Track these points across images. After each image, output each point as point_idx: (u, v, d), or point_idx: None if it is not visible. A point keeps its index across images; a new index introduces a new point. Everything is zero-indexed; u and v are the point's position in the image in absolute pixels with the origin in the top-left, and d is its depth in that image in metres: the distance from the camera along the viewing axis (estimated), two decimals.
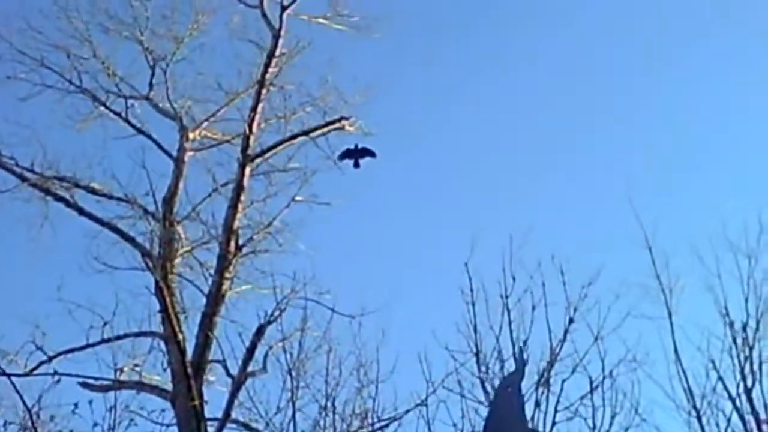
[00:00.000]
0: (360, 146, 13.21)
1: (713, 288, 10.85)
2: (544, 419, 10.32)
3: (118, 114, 13.68)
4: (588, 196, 15.90)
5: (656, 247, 10.74)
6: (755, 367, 10.50)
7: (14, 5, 13.58)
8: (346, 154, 13.22)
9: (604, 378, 10.33)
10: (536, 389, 10.61)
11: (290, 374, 10.13)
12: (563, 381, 10.56)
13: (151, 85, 13.94)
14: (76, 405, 9.55)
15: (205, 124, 14.02)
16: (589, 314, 10.60)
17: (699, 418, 9.94)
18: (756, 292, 10.87)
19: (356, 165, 13.23)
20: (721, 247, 10.89)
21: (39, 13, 13.47)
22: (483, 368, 10.81)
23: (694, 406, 9.97)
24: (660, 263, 10.63)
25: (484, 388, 10.73)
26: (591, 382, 10.38)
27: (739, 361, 10.42)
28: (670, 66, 17.13)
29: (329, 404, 10.82)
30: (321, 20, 13.96)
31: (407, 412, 10.80)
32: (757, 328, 10.75)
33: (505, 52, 17.26)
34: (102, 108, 13.72)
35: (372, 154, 13.16)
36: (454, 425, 10.20)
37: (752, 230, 10.85)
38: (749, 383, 10.33)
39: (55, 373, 11.13)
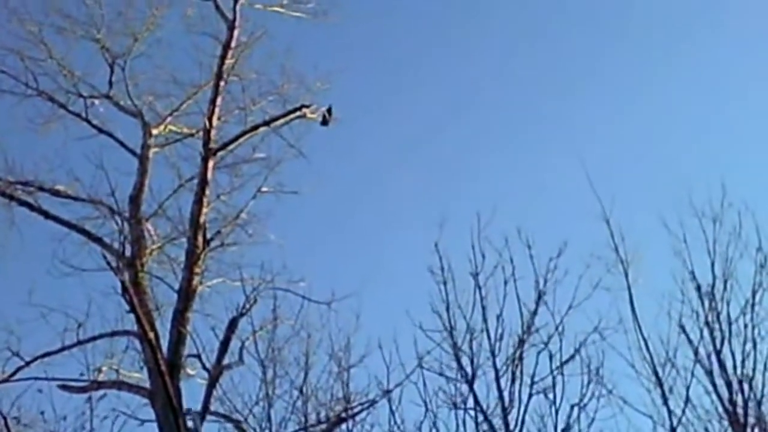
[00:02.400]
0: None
1: (680, 253, 10.98)
2: (520, 393, 10.43)
3: (78, 115, 13.60)
4: (549, 170, 16.01)
5: (619, 218, 10.84)
6: (723, 326, 10.64)
7: None
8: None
9: (577, 350, 10.45)
10: (512, 362, 10.71)
11: (262, 365, 10.17)
12: (538, 353, 10.66)
13: (110, 83, 13.90)
14: (42, 414, 9.63)
15: (169, 119, 13.98)
16: (558, 288, 10.70)
17: (660, 384, 10.09)
18: (722, 255, 11.00)
19: (324, 123, 13.39)
20: (686, 213, 11.02)
21: None
22: (457, 346, 10.88)
23: (655, 372, 10.12)
24: (619, 234, 10.72)
25: (459, 364, 10.81)
26: (566, 355, 10.47)
27: (708, 323, 10.56)
28: (625, 36, 17.26)
29: (307, 391, 10.90)
30: (276, 9, 13.93)
31: (388, 392, 10.88)
32: (725, 289, 10.90)
33: (462, 29, 17.28)
34: (62, 110, 13.63)
35: (329, 112, 13.35)
36: (426, 404, 10.28)
37: (716, 194, 10.99)
38: (718, 344, 10.47)
39: (35, 378, 11.20)
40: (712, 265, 10.91)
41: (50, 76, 13.68)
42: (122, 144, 13.52)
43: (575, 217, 12.31)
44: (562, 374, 10.20)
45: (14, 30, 13.57)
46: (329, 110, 13.46)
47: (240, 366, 11.41)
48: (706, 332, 10.49)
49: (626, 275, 10.50)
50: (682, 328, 10.59)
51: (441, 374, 10.67)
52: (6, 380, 11.41)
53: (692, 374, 10.20)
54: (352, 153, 14.11)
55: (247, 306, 11.39)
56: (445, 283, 10.98)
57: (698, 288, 10.82)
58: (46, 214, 12.63)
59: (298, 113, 13.56)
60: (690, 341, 10.49)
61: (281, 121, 13.58)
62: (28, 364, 11.69)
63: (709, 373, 10.24)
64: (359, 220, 15.64)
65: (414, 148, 16.46)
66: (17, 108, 13.52)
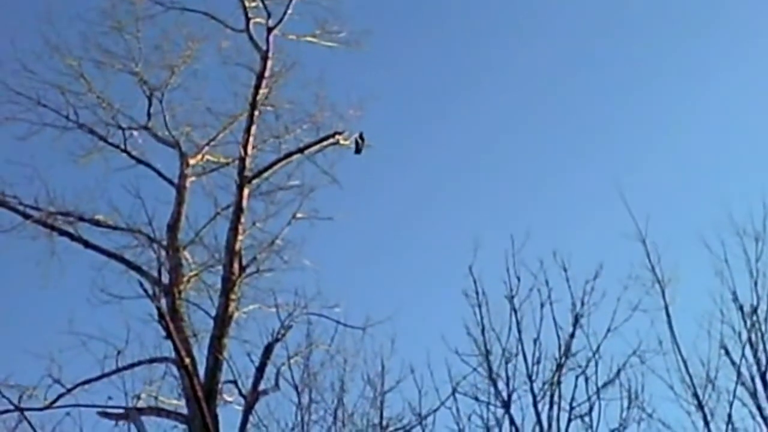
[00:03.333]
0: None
1: (721, 272, 10.77)
2: (558, 418, 10.26)
3: (117, 146, 13.85)
4: (584, 191, 15.91)
5: (655, 238, 10.70)
6: None
7: (7, 48, 13.83)
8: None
9: (616, 374, 10.28)
10: (550, 386, 10.56)
11: (296, 390, 10.16)
12: (576, 377, 10.50)
13: (149, 114, 14.14)
14: None
15: (205, 149, 14.19)
16: (595, 310, 10.56)
17: (701, 407, 9.84)
18: (765, 273, 10.76)
19: (357, 151, 13.49)
20: (727, 232, 10.83)
21: (31, 53, 13.72)
22: (494, 370, 10.76)
23: (696, 395, 9.89)
24: (656, 254, 10.57)
25: (496, 389, 10.68)
26: (605, 379, 10.29)
27: (751, 343, 10.31)
28: (662, 54, 17.16)
29: (343, 416, 10.86)
30: (309, 38, 14.10)
31: (423, 418, 10.79)
32: None
33: (496, 53, 17.34)
34: (101, 142, 13.90)
35: (361, 138, 13.42)
36: (461, 429, 10.16)
37: (757, 213, 10.78)
38: (762, 365, 10.21)
39: (75, 405, 11.30)
40: (755, 284, 10.69)
41: (90, 109, 13.99)
42: (160, 174, 13.73)
43: (611, 237, 12.17)
44: (599, 398, 10.03)
45: (55, 65, 13.93)
46: (361, 136, 13.57)
47: (276, 392, 11.42)
48: (749, 352, 10.26)
49: (663, 295, 10.34)
50: (725, 349, 10.36)
51: (476, 399, 10.56)
52: (48, 407, 11.55)
53: (734, 396, 9.96)
54: (385, 178, 14.21)
55: (283, 332, 11.43)
56: (480, 307, 10.90)
57: (740, 308, 10.59)
58: (86, 244, 12.84)
59: (331, 140, 13.68)
60: (733, 362, 10.26)
61: (315, 148, 13.70)
62: (69, 391, 11.79)
63: (753, 395, 9.98)
64: (393, 245, 15.68)
65: (447, 172, 16.51)
66: (58, 141, 13.83)
